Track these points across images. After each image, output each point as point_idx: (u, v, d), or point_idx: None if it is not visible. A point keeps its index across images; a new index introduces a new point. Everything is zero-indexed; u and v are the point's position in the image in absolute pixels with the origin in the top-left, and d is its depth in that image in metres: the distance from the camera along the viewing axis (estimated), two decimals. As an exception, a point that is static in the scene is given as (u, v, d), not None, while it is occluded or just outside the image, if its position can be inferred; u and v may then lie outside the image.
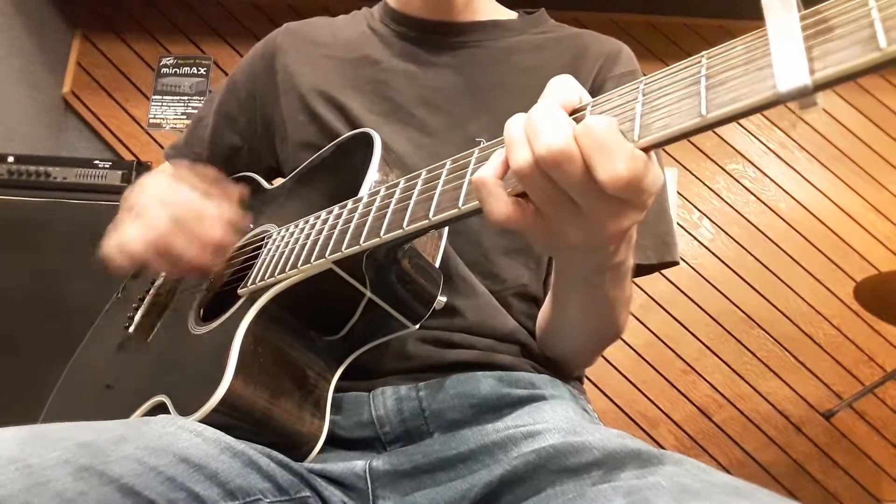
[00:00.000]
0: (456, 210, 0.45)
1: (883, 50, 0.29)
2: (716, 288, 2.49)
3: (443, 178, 0.49)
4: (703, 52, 0.37)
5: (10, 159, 1.90)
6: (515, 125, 0.42)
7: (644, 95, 0.39)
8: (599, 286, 0.57)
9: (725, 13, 2.62)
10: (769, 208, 2.56)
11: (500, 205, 0.42)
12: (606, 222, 0.41)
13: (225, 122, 0.89)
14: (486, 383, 0.65)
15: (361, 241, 0.53)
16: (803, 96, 0.31)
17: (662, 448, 0.78)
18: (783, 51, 0.32)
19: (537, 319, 0.73)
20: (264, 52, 0.87)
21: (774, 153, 2.62)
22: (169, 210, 0.65)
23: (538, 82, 0.78)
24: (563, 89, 0.43)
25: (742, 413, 2.38)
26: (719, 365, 2.43)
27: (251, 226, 0.77)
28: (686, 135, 0.36)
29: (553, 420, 0.60)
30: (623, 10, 2.69)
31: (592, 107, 0.42)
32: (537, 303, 0.74)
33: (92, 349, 0.86)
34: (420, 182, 0.51)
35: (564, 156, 0.38)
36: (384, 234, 0.51)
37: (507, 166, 0.42)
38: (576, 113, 0.43)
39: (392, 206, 0.52)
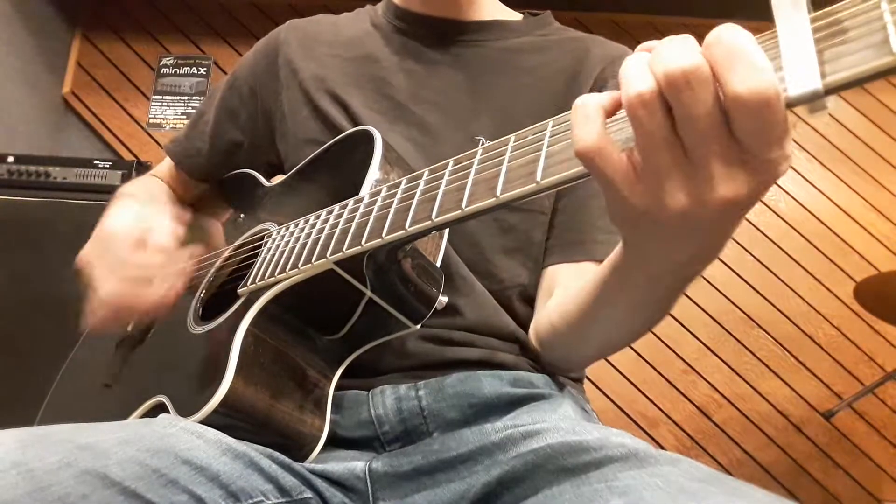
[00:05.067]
0: (459, 212, 0.45)
1: None
2: (715, 288, 2.48)
3: (446, 178, 0.48)
4: None
5: (10, 159, 1.90)
6: (635, 57, 0.36)
7: None
8: (671, 283, 0.48)
9: (724, 13, 2.61)
10: (769, 208, 2.56)
11: (590, 130, 0.36)
12: (718, 183, 0.35)
13: (226, 118, 0.89)
14: (485, 383, 0.64)
15: (363, 242, 0.52)
16: (814, 100, 0.31)
17: (662, 448, 0.78)
18: (794, 53, 0.31)
19: (545, 319, 0.69)
20: (267, 49, 0.87)
21: (774, 153, 2.62)
22: (121, 268, 0.64)
23: (539, 83, 0.79)
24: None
25: (742, 413, 2.38)
26: (719, 365, 2.43)
27: (239, 218, 0.76)
28: None
29: (552, 420, 0.60)
30: (623, 10, 2.69)
31: None
32: (534, 302, 0.74)
33: (90, 347, 0.86)
34: (423, 182, 0.51)
35: (696, 74, 0.33)
36: (386, 235, 0.50)
37: (617, 104, 0.37)
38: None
39: (394, 206, 0.52)
